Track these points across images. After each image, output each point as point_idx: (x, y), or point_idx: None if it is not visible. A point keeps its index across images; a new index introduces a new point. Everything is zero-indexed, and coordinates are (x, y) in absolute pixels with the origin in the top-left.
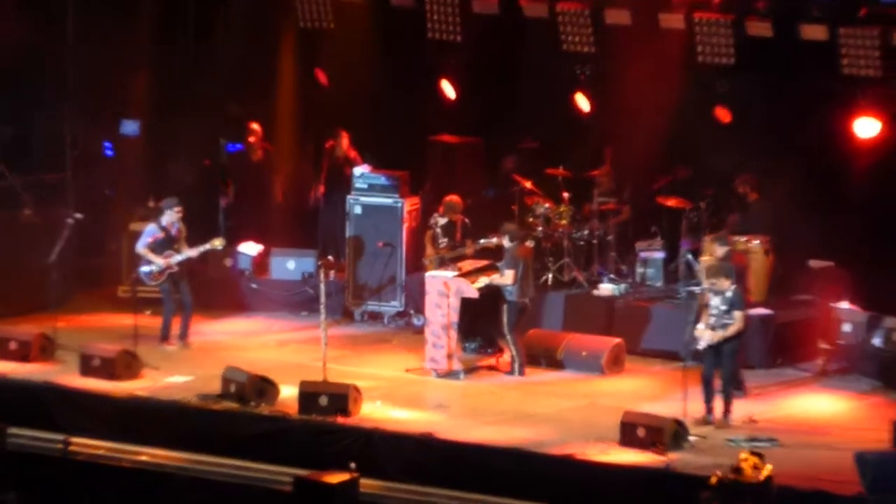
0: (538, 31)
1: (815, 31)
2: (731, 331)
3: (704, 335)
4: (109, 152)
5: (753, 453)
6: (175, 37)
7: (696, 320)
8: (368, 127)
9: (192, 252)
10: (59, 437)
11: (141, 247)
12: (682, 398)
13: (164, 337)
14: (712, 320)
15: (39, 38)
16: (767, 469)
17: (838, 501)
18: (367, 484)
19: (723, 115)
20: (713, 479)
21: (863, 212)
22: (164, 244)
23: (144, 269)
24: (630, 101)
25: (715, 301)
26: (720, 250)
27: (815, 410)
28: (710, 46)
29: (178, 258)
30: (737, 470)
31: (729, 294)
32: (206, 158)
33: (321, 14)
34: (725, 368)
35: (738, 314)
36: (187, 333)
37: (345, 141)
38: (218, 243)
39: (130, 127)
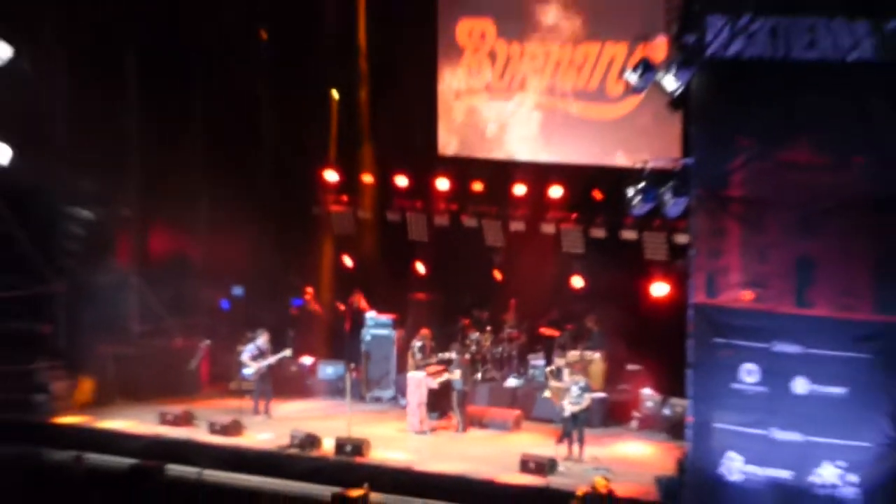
0: (471, 234)
1: (629, 234)
2: (583, 405)
3: (567, 408)
4: (225, 305)
5: (604, 478)
6: (260, 239)
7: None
8: (375, 290)
9: (273, 359)
10: (195, 469)
11: (244, 358)
12: (556, 445)
13: (256, 411)
14: (573, 399)
15: (180, 243)
16: (611, 487)
17: None
18: (374, 496)
19: (577, 282)
20: (579, 493)
21: (656, 333)
22: (257, 357)
23: (245, 371)
24: (525, 273)
25: (573, 388)
26: (565, 361)
27: (632, 452)
28: (569, 242)
29: (265, 363)
30: (593, 487)
31: (581, 384)
32: (281, 308)
33: (346, 225)
34: (580, 428)
35: (587, 396)
36: (269, 409)
37: (360, 297)
38: (287, 352)
39: (237, 291)
